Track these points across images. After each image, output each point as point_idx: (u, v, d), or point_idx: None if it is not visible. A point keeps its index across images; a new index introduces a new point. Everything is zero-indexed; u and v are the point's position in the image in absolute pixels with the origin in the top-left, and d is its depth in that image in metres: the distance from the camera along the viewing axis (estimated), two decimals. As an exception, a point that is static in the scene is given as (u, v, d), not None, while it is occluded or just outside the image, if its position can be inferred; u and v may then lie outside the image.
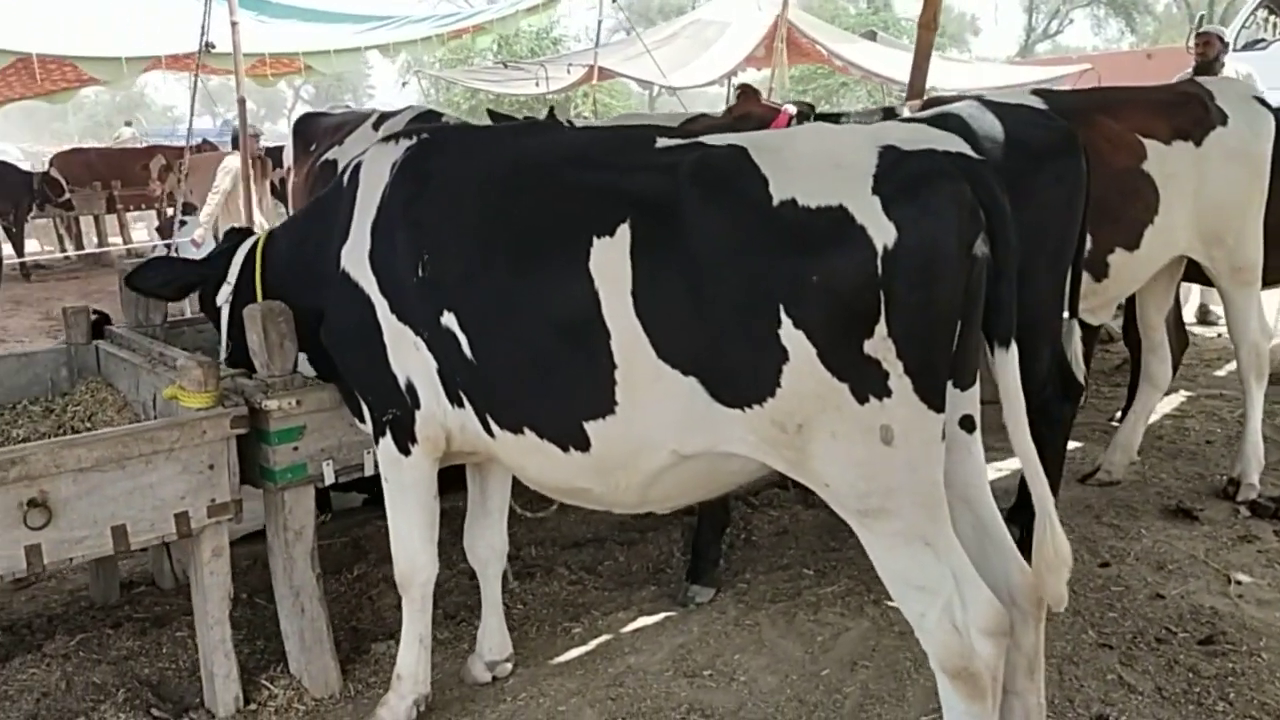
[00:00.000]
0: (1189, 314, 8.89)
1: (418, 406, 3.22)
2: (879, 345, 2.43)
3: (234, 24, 8.37)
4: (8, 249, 15.56)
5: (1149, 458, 5.58)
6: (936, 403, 2.50)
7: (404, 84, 30.11)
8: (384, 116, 6.62)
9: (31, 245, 17.15)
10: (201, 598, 3.45)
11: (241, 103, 8.46)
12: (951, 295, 2.47)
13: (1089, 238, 4.29)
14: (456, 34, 14.50)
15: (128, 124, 28.73)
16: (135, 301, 4.24)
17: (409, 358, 3.18)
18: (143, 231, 18.79)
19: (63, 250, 16.91)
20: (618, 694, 3.57)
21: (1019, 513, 4.22)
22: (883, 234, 2.40)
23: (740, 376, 2.57)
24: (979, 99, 4.21)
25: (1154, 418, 6.08)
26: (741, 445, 2.66)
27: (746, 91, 7.95)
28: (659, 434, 2.75)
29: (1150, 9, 46.14)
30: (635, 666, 3.73)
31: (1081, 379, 4.18)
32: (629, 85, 28.76)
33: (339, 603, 4.28)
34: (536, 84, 19.28)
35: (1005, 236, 2.55)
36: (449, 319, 3.01)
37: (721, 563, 4.35)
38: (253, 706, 3.54)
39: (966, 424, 2.74)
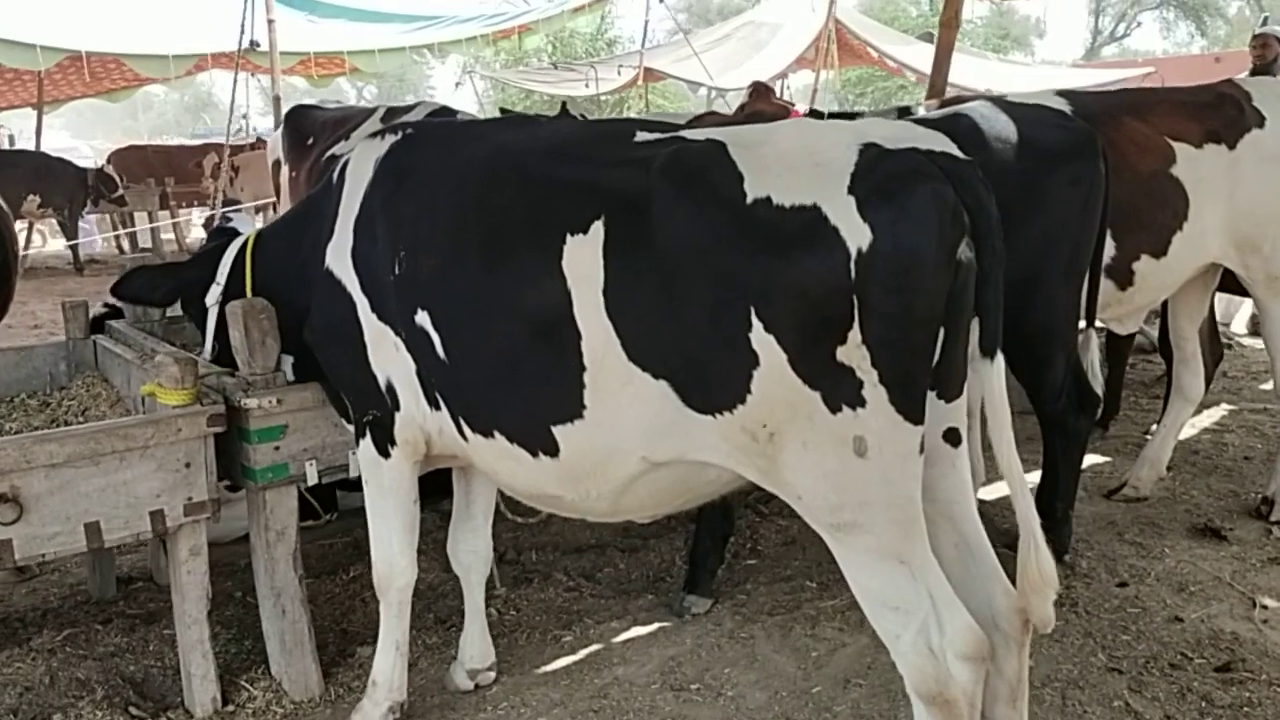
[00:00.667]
0: (1240, 325, 8.59)
1: (397, 408, 3.14)
2: (852, 353, 2.32)
3: (270, 22, 8.42)
4: (63, 243, 15.83)
5: (1181, 473, 5.35)
6: (914, 414, 2.38)
7: (458, 84, 30.16)
8: (391, 111, 6.56)
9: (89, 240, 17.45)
10: (180, 597, 3.40)
11: (277, 100, 8.54)
12: (931, 302, 2.35)
13: (1112, 243, 4.14)
14: (504, 34, 14.55)
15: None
16: (135, 297, 4.22)
17: (389, 358, 3.11)
18: (201, 229, 19.04)
19: (116, 237, 17.17)
20: (601, 705, 3.47)
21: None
22: (856, 236, 2.29)
23: (711, 381, 2.47)
24: (995, 99, 4.08)
25: (1192, 431, 5.87)
26: (713, 453, 2.56)
27: (758, 89, 7.85)
28: (629, 440, 2.65)
29: (1221, 12, 45.04)
30: (622, 678, 3.62)
31: (1099, 390, 4.01)
32: (683, 86, 28.65)
33: (331, 604, 4.23)
34: (587, 85, 19.32)
35: (991, 241, 2.42)
36: (422, 317, 2.93)
37: (721, 573, 4.23)
38: (230, 708, 3.48)
39: (951, 437, 2.62)
